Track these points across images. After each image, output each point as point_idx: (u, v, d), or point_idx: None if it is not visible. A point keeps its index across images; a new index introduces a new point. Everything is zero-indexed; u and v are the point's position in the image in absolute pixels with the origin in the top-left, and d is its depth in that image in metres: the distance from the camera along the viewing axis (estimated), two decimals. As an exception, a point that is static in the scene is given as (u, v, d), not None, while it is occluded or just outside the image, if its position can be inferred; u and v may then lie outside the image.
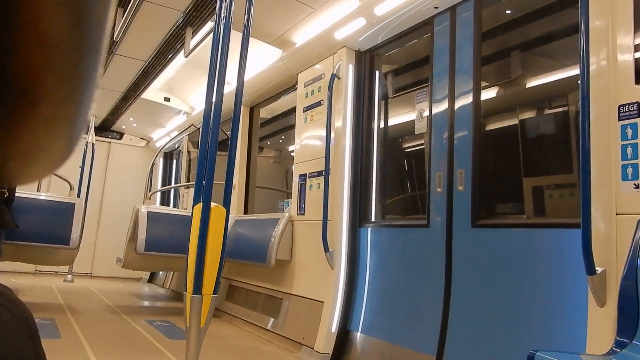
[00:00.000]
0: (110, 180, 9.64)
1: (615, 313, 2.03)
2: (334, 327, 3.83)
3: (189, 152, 8.66)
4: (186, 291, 2.60)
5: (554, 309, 2.53)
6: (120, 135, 9.88)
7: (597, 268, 2.15)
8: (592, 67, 2.29)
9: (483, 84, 3.35)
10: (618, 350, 1.90)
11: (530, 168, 3.70)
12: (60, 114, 0.31)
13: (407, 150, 4.98)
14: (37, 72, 0.27)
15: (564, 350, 2.05)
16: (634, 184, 2.12)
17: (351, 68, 4.22)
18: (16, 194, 4.67)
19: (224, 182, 2.77)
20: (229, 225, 2.80)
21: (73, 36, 0.28)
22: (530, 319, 2.65)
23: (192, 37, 5.08)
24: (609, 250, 2.17)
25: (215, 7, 2.90)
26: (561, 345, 2.42)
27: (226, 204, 2.71)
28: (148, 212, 5.43)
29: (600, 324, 2.17)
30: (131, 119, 8.90)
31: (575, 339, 2.31)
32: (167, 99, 7.43)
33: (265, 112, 6.58)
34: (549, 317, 2.55)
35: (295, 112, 4.88)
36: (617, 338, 1.95)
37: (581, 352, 2.18)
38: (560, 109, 3.77)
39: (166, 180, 9.86)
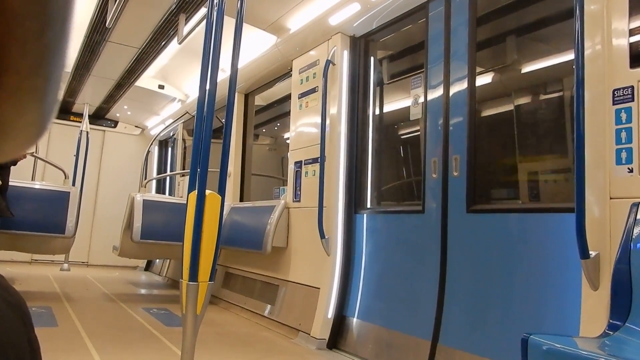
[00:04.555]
0: (105, 169, 9.61)
1: (609, 296, 2.04)
2: (330, 313, 3.85)
3: (184, 139, 8.63)
4: (182, 279, 2.61)
5: (548, 292, 2.55)
6: (115, 123, 9.83)
7: (590, 252, 2.16)
8: (587, 52, 2.29)
9: (478, 69, 3.34)
10: (611, 332, 1.92)
11: (525, 153, 3.70)
12: (26, 87, 0.30)
13: (402, 136, 4.98)
14: None
15: (557, 333, 2.07)
16: (628, 168, 2.13)
17: (346, 54, 4.19)
18: (10, 183, 4.67)
19: (219, 170, 2.76)
20: (224, 212, 2.80)
21: (34, 3, 0.27)
22: (525, 302, 2.67)
23: (186, 24, 5.03)
24: (603, 234, 2.19)
25: (208, -8, 2.87)
26: (555, 329, 2.44)
27: (221, 191, 2.70)
28: (143, 200, 5.43)
29: (594, 307, 2.19)
30: (125, 107, 8.85)
31: (569, 322, 2.33)
32: (161, 87, 7.39)
33: (260, 99, 6.55)
34: (543, 300, 2.57)
35: (290, 99, 4.86)
36: (610, 321, 1.97)
37: (575, 335, 2.21)
38: (555, 94, 3.77)
39: (161, 169, 9.84)
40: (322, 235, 3.93)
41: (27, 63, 0.29)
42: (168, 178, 9.36)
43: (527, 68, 4.02)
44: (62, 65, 0.32)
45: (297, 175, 4.49)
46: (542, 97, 3.87)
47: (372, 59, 4.23)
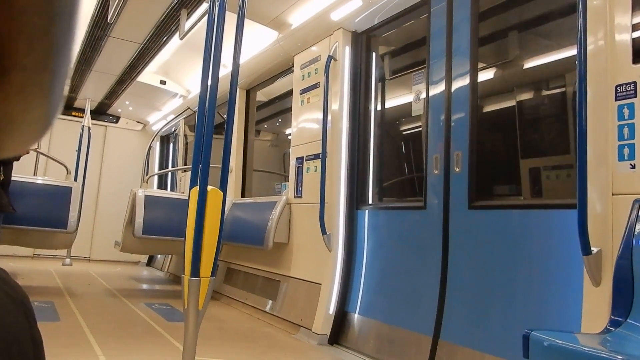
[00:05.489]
0: (107, 164, 9.62)
1: (610, 292, 2.04)
2: (332, 309, 3.86)
3: (185, 135, 8.63)
4: (184, 274, 2.61)
5: (549, 289, 2.55)
6: (117, 118, 9.83)
7: (592, 248, 2.16)
8: (589, 47, 2.28)
9: (480, 65, 3.33)
10: (613, 329, 1.92)
11: (527, 149, 3.70)
12: (33, 83, 0.30)
13: (404, 132, 4.97)
14: (5, 38, 0.26)
15: (559, 330, 2.07)
16: (630, 164, 2.12)
17: (348, 50, 4.18)
18: (13, 178, 4.67)
19: (220, 166, 2.76)
20: (226, 208, 2.80)
21: None
22: (526, 299, 2.67)
23: (187, 19, 5.03)
24: (605, 230, 2.18)
25: (210, -12, 2.86)
26: (557, 325, 2.44)
27: (223, 187, 2.70)
28: (145, 195, 5.43)
29: (595, 303, 2.19)
30: (127, 103, 8.84)
31: (571, 318, 2.33)
32: (162, 82, 7.38)
33: (261, 95, 6.54)
34: (545, 297, 2.57)
35: (291, 94, 4.85)
36: (612, 317, 1.97)
37: (576, 331, 2.21)
38: (558, 90, 3.76)
39: (163, 164, 9.84)
40: (323, 231, 3.94)
41: (33, 59, 0.29)
42: (170, 173, 9.37)
43: (529, 64, 4.01)
44: (68, 61, 0.31)
45: (299, 171, 4.49)
46: (544, 93, 3.86)
47: (373, 54, 4.22)
